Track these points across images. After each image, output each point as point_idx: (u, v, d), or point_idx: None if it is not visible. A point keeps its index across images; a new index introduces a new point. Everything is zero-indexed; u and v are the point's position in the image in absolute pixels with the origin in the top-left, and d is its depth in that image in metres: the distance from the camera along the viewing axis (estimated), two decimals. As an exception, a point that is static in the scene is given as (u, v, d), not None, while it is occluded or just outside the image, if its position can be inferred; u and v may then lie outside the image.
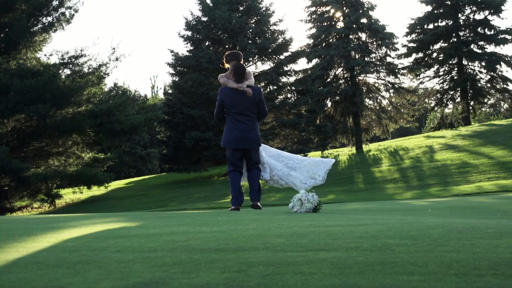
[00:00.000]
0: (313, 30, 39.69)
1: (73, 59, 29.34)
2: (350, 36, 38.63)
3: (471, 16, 45.32)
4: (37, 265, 2.44)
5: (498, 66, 44.08)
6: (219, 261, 2.44)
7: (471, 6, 45.03)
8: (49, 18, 29.35)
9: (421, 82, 47.24)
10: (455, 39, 45.16)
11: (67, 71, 29.67)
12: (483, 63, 44.64)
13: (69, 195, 32.72)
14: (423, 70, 44.26)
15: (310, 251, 2.66)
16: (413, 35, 45.91)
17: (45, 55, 31.23)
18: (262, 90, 7.81)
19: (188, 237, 3.47)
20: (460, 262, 2.27)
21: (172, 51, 33.71)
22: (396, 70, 38.81)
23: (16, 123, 28.14)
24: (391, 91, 40.06)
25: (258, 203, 7.91)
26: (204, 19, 34.26)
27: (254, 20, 34.65)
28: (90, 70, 29.58)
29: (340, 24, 39.09)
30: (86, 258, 2.62)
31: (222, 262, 2.41)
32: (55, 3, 29.14)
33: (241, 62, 7.92)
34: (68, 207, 28.61)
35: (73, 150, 30.52)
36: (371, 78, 39.83)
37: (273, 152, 8.16)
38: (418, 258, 2.38)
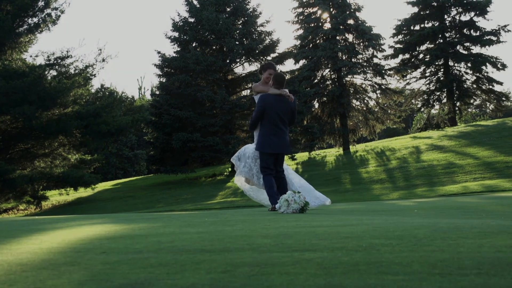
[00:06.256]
0: (300, 31, 39.76)
1: (59, 60, 29.13)
2: (337, 37, 38.73)
3: (457, 17, 45.61)
4: (21, 267, 2.43)
5: (483, 67, 44.39)
6: (205, 262, 2.43)
7: (457, 8, 45.31)
8: (35, 19, 29.12)
9: (408, 83, 47.50)
10: (441, 40, 45.41)
11: (53, 72, 29.47)
12: (469, 64, 44.94)
13: (55, 196, 32.52)
14: (409, 71, 44.43)
15: (296, 252, 2.67)
16: (400, 36, 46.13)
17: (30, 56, 31.03)
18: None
19: (174, 238, 3.46)
20: (444, 262, 2.28)
21: (159, 52, 33.63)
22: (383, 71, 38.97)
23: (1, 124, 27.92)
24: (378, 92, 40.23)
25: None
26: (191, 20, 34.20)
27: (241, 21, 34.64)
28: (77, 71, 29.39)
29: (327, 25, 39.18)
30: (71, 259, 2.61)
31: (208, 263, 2.41)
32: (40, 4, 28.92)
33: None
34: (55, 209, 28.43)
35: (59, 152, 30.33)
36: (358, 79, 40.04)
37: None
38: (403, 258, 2.39)
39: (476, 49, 45.13)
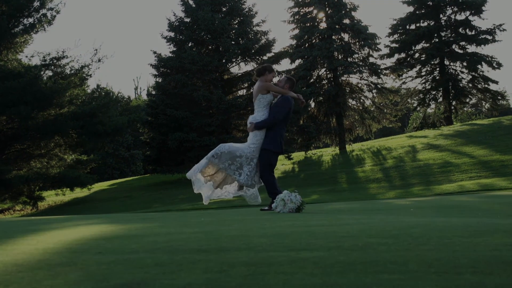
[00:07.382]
0: (296, 31, 39.75)
1: (55, 61, 29.08)
2: (333, 37, 38.72)
3: (453, 16, 45.65)
4: (17, 267, 2.42)
5: (479, 66, 44.40)
6: (201, 261, 2.43)
7: (452, 7, 45.35)
8: (30, 19, 29.06)
9: (404, 82, 47.50)
10: (437, 40, 45.46)
11: (49, 73, 29.42)
12: (465, 63, 44.98)
13: (51, 197, 32.45)
14: (405, 70, 44.46)
15: (292, 251, 2.67)
16: (396, 36, 46.12)
17: (26, 56, 31.02)
18: None
19: (170, 238, 3.46)
20: (440, 261, 2.29)
21: (155, 52, 33.58)
22: (379, 71, 38.95)
23: (-3, 125, 27.88)
24: (374, 91, 40.24)
25: None
26: (187, 20, 34.18)
27: (237, 21, 34.62)
28: (72, 71, 29.35)
29: (323, 25, 39.16)
30: (66, 260, 2.61)
31: (204, 262, 2.40)
32: (36, 4, 28.85)
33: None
34: (51, 210, 28.38)
35: (55, 152, 30.25)
36: (354, 79, 40.03)
37: None
38: (399, 257, 2.39)
39: (471, 48, 45.23)
